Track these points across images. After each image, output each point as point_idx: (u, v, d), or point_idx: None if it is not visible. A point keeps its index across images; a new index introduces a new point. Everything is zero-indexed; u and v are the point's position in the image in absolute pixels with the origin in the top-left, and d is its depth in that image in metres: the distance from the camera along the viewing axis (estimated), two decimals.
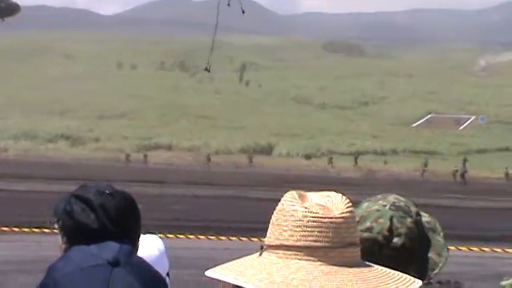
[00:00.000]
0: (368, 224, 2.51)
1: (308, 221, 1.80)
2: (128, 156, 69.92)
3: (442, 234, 2.63)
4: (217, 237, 22.24)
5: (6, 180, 38.76)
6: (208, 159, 70.27)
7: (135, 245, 2.51)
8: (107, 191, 2.54)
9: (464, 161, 68.23)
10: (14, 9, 52.62)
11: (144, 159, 70.63)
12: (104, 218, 2.48)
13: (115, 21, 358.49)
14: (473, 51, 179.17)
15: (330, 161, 72.15)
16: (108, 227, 2.46)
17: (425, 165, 69.75)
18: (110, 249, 1.97)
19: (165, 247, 3.45)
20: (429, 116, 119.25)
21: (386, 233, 2.52)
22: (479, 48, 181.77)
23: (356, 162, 72.46)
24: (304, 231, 1.80)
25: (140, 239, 2.59)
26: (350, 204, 1.96)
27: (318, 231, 1.80)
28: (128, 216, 2.55)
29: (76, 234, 2.46)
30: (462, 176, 62.12)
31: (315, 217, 1.80)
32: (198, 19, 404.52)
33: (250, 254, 1.75)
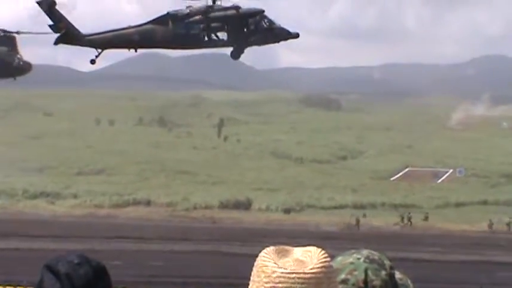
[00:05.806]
0: (343, 276, 2.52)
1: (276, 277, 1.85)
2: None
3: None
4: None
5: None
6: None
7: None
8: (75, 261, 2.60)
9: None
10: (26, 68, 51.92)
11: (122, 215, 70.11)
12: (68, 286, 2.54)
13: (94, 78, 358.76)
14: (449, 104, 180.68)
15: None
16: None
17: (403, 219, 69.92)
18: None
19: None
20: (407, 169, 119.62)
21: (361, 285, 2.54)
22: (455, 102, 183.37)
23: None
24: (273, 287, 1.86)
25: None
26: (326, 259, 2.00)
27: (285, 287, 1.85)
28: (95, 285, 2.61)
29: None
30: None
31: (283, 273, 1.85)
32: (176, 74, 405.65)
33: None
